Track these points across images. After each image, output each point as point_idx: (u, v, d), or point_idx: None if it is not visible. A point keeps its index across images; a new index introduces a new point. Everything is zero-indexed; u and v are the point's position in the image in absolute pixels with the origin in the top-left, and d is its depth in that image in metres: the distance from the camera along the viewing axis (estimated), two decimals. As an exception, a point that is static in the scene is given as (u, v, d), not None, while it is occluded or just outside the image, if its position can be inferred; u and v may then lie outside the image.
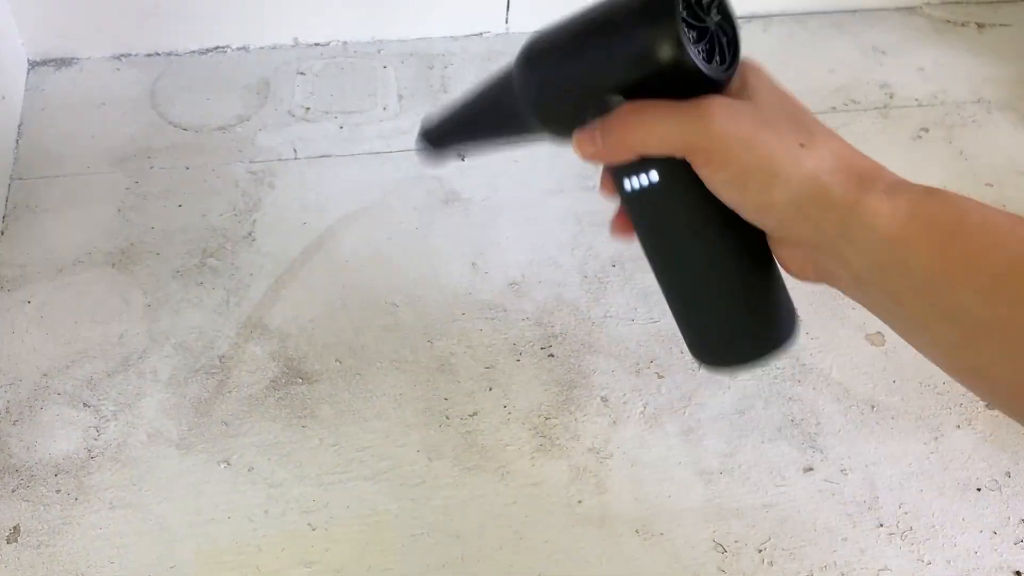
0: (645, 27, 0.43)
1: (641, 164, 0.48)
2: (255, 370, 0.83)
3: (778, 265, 0.51)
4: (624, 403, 0.83)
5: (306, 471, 0.78)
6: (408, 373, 0.84)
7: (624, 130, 0.47)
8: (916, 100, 1.10)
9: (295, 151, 0.99)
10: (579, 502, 0.77)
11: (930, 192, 0.44)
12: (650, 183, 0.49)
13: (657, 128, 0.46)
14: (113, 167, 0.97)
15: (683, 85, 0.44)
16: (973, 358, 0.44)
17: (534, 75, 0.49)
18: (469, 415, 0.82)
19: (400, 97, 1.07)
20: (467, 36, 1.14)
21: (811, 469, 0.80)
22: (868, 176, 0.45)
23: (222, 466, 0.78)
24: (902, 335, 0.48)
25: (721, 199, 0.48)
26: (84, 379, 0.82)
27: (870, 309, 0.48)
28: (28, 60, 1.04)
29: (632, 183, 0.49)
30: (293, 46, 1.10)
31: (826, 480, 0.80)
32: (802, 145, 0.45)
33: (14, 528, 0.73)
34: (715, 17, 0.44)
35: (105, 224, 0.92)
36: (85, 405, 0.81)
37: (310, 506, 0.76)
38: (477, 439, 0.81)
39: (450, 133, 0.59)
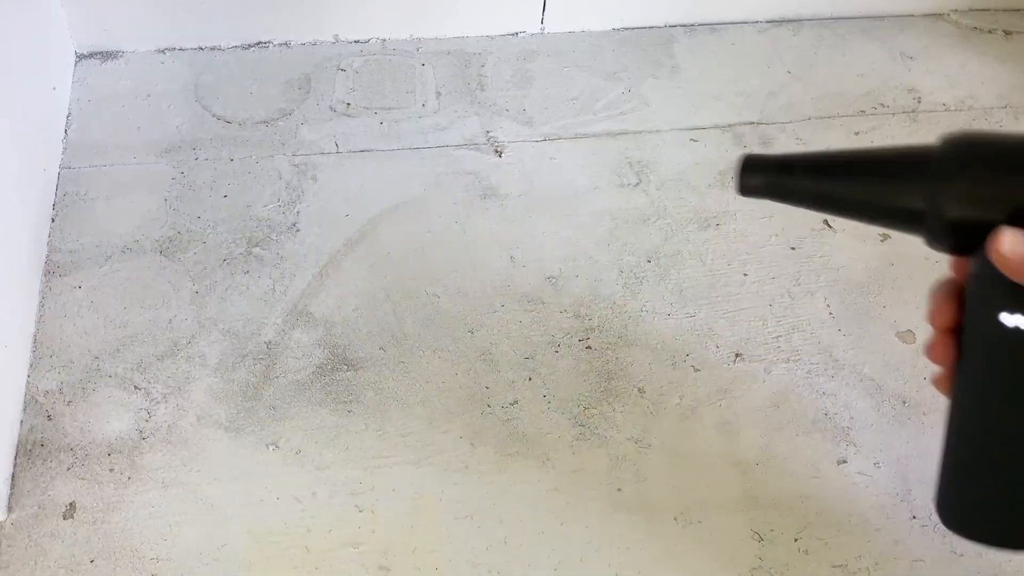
0: None
1: None
2: (301, 356, 0.85)
3: None
4: (661, 395, 0.85)
5: (352, 455, 0.80)
6: (450, 362, 0.86)
7: None
8: (944, 105, 1.12)
9: (337, 145, 1.01)
10: (619, 490, 0.79)
11: None
12: None
13: None
14: (159, 158, 0.99)
15: None
16: None
17: (970, 170, 0.44)
18: (510, 403, 0.84)
19: (438, 95, 1.09)
20: (503, 35, 1.16)
21: (845, 462, 0.82)
22: None
23: (270, 449, 0.80)
24: None
25: None
26: (134, 362, 0.84)
27: None
28: (75, 53, 1.06)
29: (1018, 319, 0.43)
30: (333, 43, 1.12)
31: (860, 473, 0.82)
32: None
33: (70, 505, 0.75)
34: None
35: (152, 213, 0.94)
36: (136, 388, 0.83)
37: (357, 488, 0.78)
38: (518, 427, 0.82)
39: (799, 175, 0.50)
